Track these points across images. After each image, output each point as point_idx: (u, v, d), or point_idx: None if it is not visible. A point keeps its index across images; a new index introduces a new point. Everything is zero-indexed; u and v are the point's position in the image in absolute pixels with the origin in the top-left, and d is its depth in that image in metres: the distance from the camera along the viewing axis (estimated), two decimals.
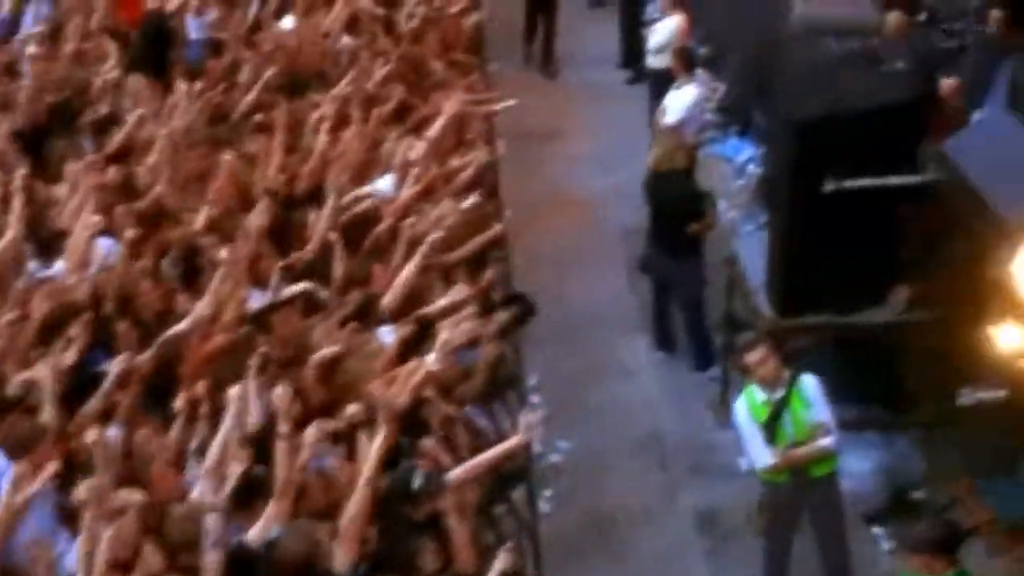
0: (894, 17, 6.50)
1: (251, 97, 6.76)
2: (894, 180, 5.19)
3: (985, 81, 6.37)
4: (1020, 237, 3.83)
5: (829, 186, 5.26)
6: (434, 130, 6.50)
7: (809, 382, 4.95)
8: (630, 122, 9.06)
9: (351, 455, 4.55)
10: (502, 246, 7.60)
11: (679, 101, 7.52)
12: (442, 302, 5.46)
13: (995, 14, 6.33)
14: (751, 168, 8.04)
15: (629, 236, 7.69)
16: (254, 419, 4.55)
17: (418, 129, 6.76)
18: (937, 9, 7.75)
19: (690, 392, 6.62)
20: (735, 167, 8.69)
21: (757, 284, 5.90)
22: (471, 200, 5.94)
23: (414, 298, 5.55)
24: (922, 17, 7.93)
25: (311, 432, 4.29)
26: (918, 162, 5.35)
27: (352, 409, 4.59)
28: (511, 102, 7.90)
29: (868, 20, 6.48)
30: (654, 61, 8.57)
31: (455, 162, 6.60)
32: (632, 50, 9.70)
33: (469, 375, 5.25)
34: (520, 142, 9.33)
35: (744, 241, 6.35)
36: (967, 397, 4.27)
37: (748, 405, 4.98)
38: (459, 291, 5.45)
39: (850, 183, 5.26)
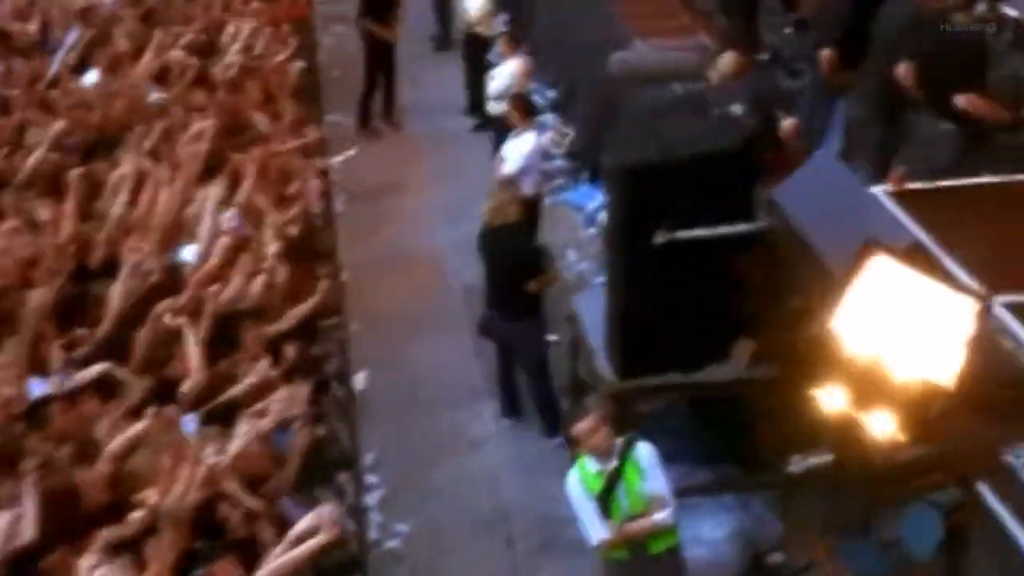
0: (728, 58, 6.55)
1: (39, 155, 6.35)
2: (726, 229, 5.15)
3: (822, 122, 6.49)
4: (842, 290, 3.79)
5: (661, 237, 5.19)
6: (245, 189, 6.23)
7: (644, 451, 4.82)
8: (477, 171, 8.94)
9: (140, 567, 4.19)
10: (337, 312, 7.37)
11: (517, 150, 7.44)
12: (250, 381, 5.15)
13: (824, 53, 6.45)
14: (601, 217, 8.01)
15: (474, 295, 7.53)
16: (26, 537, 4.15)
17: (234, 187, 6.47)
18: (780, 48, 7.94)
19: (538, 461, 6.43)
20: (585, 216, 8.68)
21: (597, 344, 5.77)
22: (268, 266, 5.66)
23: (222, 378, 5.23)
24: (765, 56, 8.11)
25: (87, 559, 3.90)
26: (753, 209, 5.34)
27: (136, 515, 4.23)
28: (350, 152, 7.73)
29: (691, 63, 6.52)
30: (495, 107, 8.49)
31: (273, 222, 6.32)
32: (476, 96, 9.64)
33: (282, 463, 4.95)
34: (360, 197, 9.15)
35: (584, 297, 6.24)
36: (796, 464, 4.20)
37: (581, 476, 4.83)
38: (264, 369, 5.15)
39: (683, 234, 5.20)
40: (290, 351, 5.52)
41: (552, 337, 6.77)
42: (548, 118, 9.79)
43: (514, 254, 6.28)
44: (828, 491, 5.21)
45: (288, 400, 4.93)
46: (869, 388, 3.59)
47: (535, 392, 6.65)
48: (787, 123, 6.74)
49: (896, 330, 3.69)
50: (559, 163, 9.28)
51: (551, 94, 10.05)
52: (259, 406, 4.84)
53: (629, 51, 7.18)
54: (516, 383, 6.79)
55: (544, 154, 9.30)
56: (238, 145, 6.93)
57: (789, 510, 5.73)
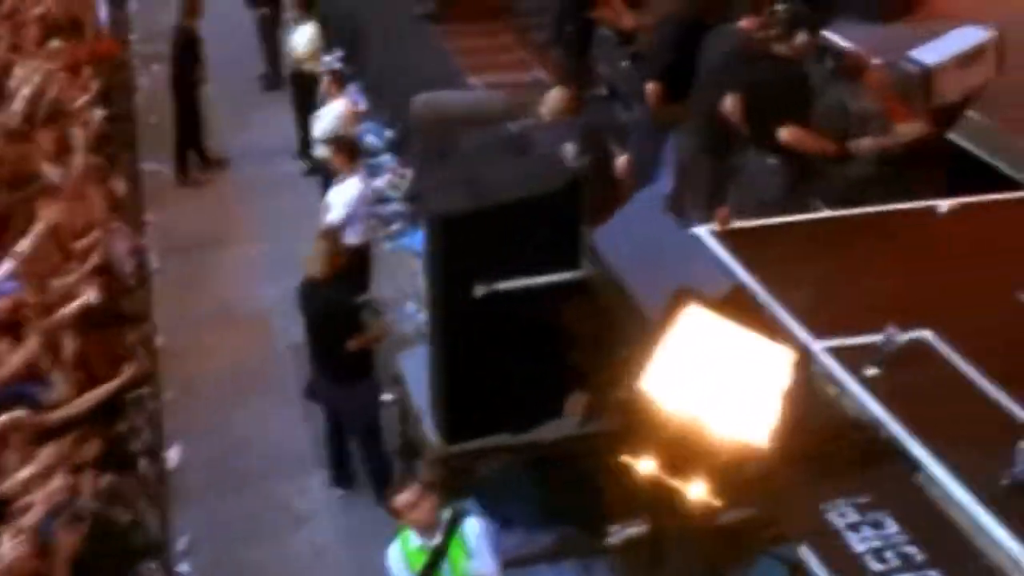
0: (557, 94, 6.46)
1: None
2: (549, 278, 5.01)
3: (652, 158, 6.45)
4: (654, 344, 3.66)
5: (481, 289, 5.01)
6: (24, 245, 5.82)
7: (472, 526, 4.60)
8: (310, 219, 8.63)
9: None
10: (149, 380, 6.95)
11: (341, 196, 7.18)
12: (26, 473, 4.74)
13: (650, 87, 6.42)
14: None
15: (303, 354, 7.21)
16: None
17: (13, 244, 6.04)
18: (616, 82, 7.93)
19: (371, 534, 6.10)
20: None
21: (423, 405, 5.55)
22: (54, 335, 5.26)
23: None
24: (603, 91, 8.09)
25: None
26: (579, 255, 5.22)
27: None
28: None
29: (503, 103, 6.41)
30: (321, 151, 8.23)
31: (58, 284, 5.91)
32: (306, 138, 9.35)
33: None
34: (179, 252, 8.73)
35: (409, 355, 6.01)
36: (615, 535, 4.05)
37: (403, 552, 4.61)
38: (47, 457, 4.75)
39: (505, 284, 5.04)
40: (81, 435, 5.14)
41: (386, 397, 6.53)
42: (385, 159, 9.58)
43: (333, 308, 6.01)
44: (674, 551, 5.09)
45: (62, 489, 4.54)
46: (683, 451, 3.46)
47: (366, 459, 6.37)
48: (621, 160, 6.71)
49: (711, 386, 3.56)
50: (396, 207, 9.05)
51: (388, 134, 9.85)
52: (27, 500, 4.44)
53: (435, 92, 7.06)
54: (346, 449, 6.51)
55: (380, 198, 9.10)
56: (23, 198, 6.50)
57: (633, 573, 5.59)
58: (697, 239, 4.74)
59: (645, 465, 3.50)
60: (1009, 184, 5.67)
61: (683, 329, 3.70)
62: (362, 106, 9.99)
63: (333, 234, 6.51)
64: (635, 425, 3.59)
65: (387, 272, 8.12)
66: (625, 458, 3.57)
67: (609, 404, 5.05)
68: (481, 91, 6.95)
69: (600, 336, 5.00)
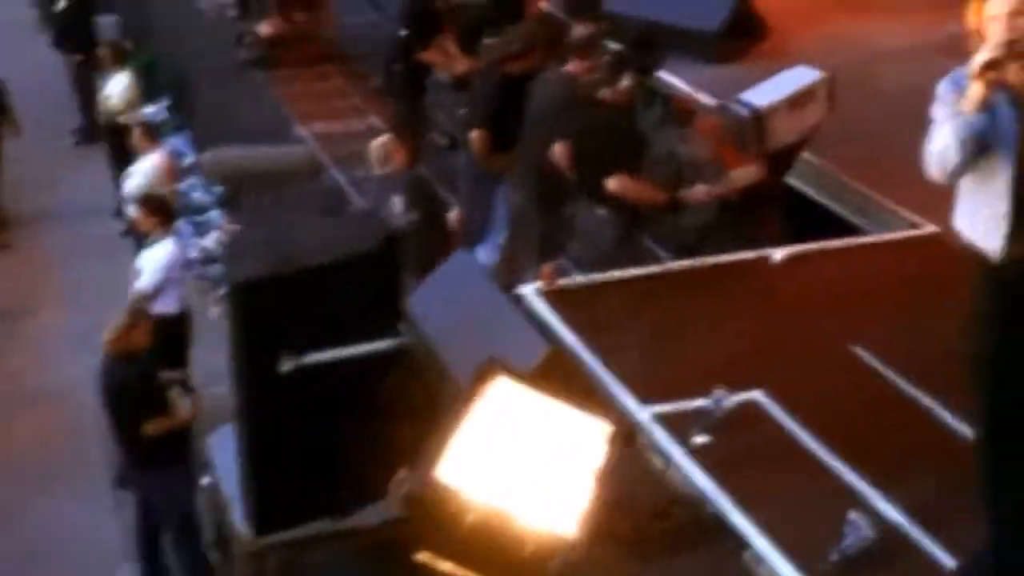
0: (379, 145, 6.22)
1: None
2: (362, 348, 4.73)
3: (482, 211, 6.28)
4: (454, 423, 3.42)
5: (288, 363, 4.70)
6: None
7: None
8: (125, 285, 8.19)
9: None
10: None
11: (152, 261, 6.79)
12: None
13: (473, 135, 6.25)
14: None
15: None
16: None
17: None
18: (454, 132, 7.76)
19: None
20: None
21: (232, 493, 5.17)
22: None
23: None
24: (443, 142, 7.92)
25: None
26: (396, 321, 4.96)
27: None
28: None
29: (303, 158, 6.16)
30: (131, 210, 7.80)
31: None
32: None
33: None
34: None
35: (217, 437, 5.63)
36: None
37: None
38: None
39: (314, 357, 4.73)
40: None
41: (205, 480, 6.12)
42: (213, 216, 9.19)
43: (129, 387, 5.62)
44: None
45: None
46: (484, 544, 3.21)
47: (179, 551, 5.96)
48: (453, 214, 6.52)
49: (518, 469, 3.34)
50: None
51: (218, 188, 9.48)
52: None
53: (226, 148, 6.77)
54: (159, 542, 6.08)
55: (208, 258, 8.69)
56: None
57: None
58: (518, 300, 4.54)
59: (444, 561, 3.24)
60: (846, 227, 5.68)
61: (488, 405, 3.48)
62: (188, 159, 9.62)
63: (138, 304, 6.12)
64: (432, 517, 3.33)
65: (214, 341, 7.71)
66: (423, 555, 3.30)
67: (403, 495, 4.79)
68: (283, 146, 6.67)
69: (421, 410, 4.74)
